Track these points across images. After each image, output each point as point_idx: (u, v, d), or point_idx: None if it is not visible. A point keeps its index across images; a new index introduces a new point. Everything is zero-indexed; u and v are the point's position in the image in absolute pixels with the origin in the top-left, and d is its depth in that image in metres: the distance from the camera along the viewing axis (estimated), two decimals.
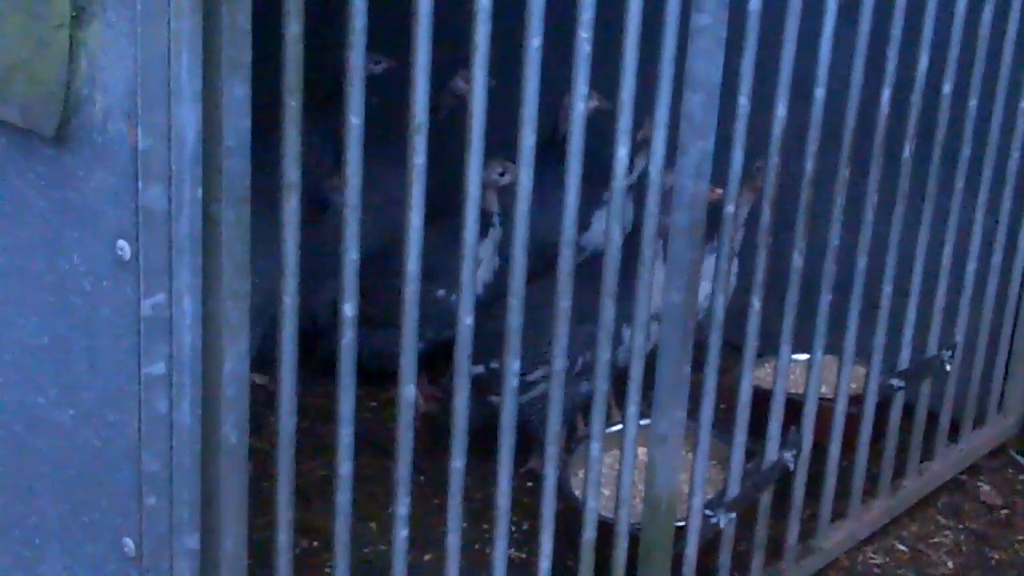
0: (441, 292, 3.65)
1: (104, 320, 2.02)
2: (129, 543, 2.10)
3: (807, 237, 2.97)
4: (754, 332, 2.93)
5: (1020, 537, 3.57)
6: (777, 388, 3.08)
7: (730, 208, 2.76)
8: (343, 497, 2.32)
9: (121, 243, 1.94)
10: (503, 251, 3.46)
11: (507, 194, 3.49)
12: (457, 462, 2.47)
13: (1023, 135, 3.48)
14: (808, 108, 2.87)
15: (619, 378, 2.93)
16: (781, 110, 2.79)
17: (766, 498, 3.14)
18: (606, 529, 2.85)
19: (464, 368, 2.40)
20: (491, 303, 3.37)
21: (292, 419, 2.18)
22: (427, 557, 3.27)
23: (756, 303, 2.90)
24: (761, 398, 3.11)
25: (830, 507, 3.36)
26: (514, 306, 2.45)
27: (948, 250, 3.42)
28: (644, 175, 2.64)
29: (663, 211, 2.67)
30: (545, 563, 2.72)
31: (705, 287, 2.93)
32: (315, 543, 3.30)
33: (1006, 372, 3.84)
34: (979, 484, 3.76)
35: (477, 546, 3.32)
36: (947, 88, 3.18)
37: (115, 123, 1.91)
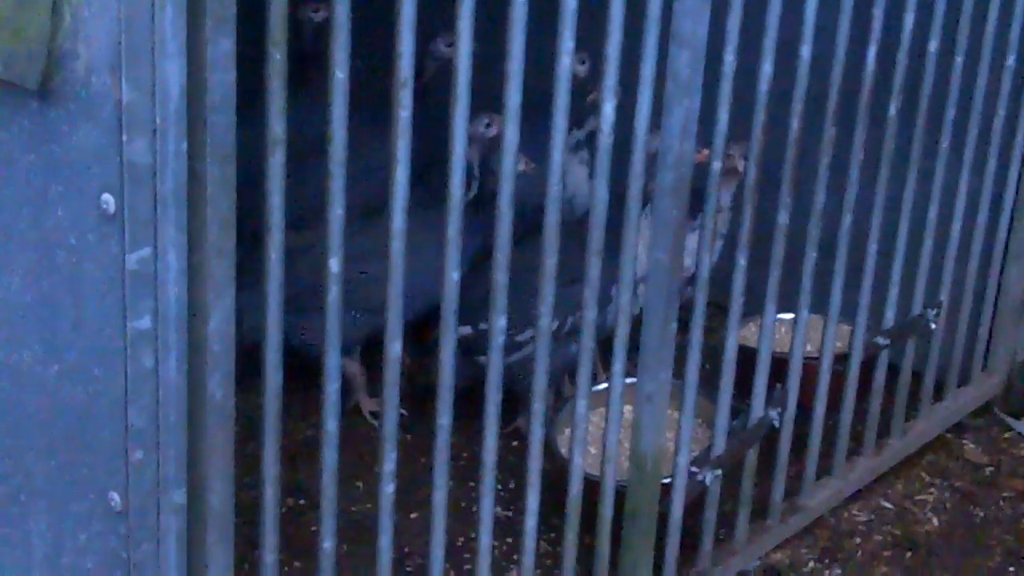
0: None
1: (89, 275, 2.02)
2: (115, 497, 2.10)
3: (792, 195, 2.97)
4: (740, 290, 2.93)
5: (1005, 495, 3.59)
6: (762, 346, 3.09)
7: (716, 166, 2.76)
8: (329, 453, 2.32)
9: (106, 197, 1.94)
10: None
11: (490, 149, 3.51)
12: (443, 419, 2.47)
13: (1008, 94, 3.47)
14: (794, 66, 2.87)
15: (606, 341, 2.93)
16: (767, 67, 2.79)
17: (751, 456, 3.15)
18: (592, 487, 2.86)
19: (451, 324, 2.40)
20: (479, 265, 3.37)
21: (278, 373, 2.18)
22: (413, 515, 3.28)
23: (741, 261, 2.91)
24: (747, 357, 3.11)
25: (815, 465, 3.38)
26: (500, 262, 2.45)
27: (933, 209, 3.42)
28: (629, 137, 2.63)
29: (648, 176, 2.67)
30: (531, 520, 2.73)
31: (688, 262, 2.93)
32: (302, 502, 3.32)
33: (991, 331, 3.85)
34: (964, 442, 3.78)
35: (464, 504, 3.34)
36: (933, 46, 3.18)
37: (99, 77, 1.90)
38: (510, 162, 2.38)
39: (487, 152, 3.51)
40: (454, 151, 2.29)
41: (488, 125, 3.52)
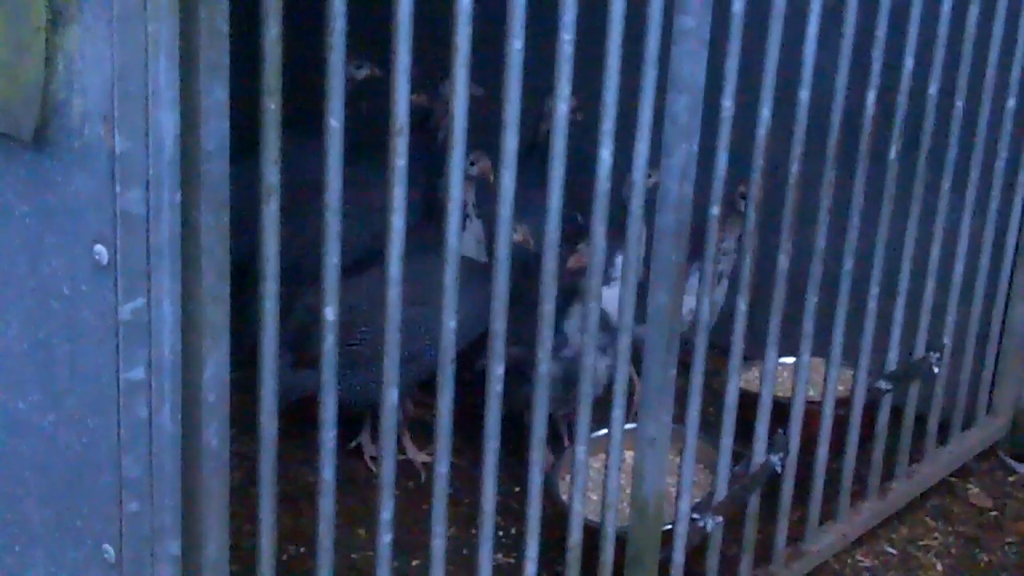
0: None
1: (84, 324, 2.01)
2: (109, 550, 2.09)
3: (793, 239, 2.97)
4: (740, 334, 2.92)
5: (1009, 539, 3.57)
6: (764, 390, 3.07)
7: (714, 211, 2.76)
8: (326, 501, 2.31)
9: (98, 248, 1.93)
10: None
11: (484, 188, 3.49)
12: (441, 467, 2.46)
13: (1010, 135, 3.47)
14: (793, 110, 2.87)
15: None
16: (766, 112, 2.79)
17: (754, 501, 3.14)
18: (594, 533, 2.85)
19: (448, 372, 2.39)
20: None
21: (274, 421, 2.17)
22: (415, 563, 3.27)
23: (742, 304, 2.90)
24: (749, 401, 3.10)
25: (819, 510, 3.36)
26: (498, 311, 2.45)
27: (935, 251, 3.41)
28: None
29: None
30: (531, 567, 2.71)
31: (689, 301, 2.93)
32: (302, 549, 3.30)
33: (995, 373, 3.84)
34: (968, 486, 3.76)
35: (466, 551, 3.32)
36: (933, 89, 3.18)
37: (93, 126, 1.90)
38: (507, 210, 2.38)
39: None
40: (451, 197, 2.29)
41: (472, 164, 3.49)
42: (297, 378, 3.30)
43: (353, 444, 3.66)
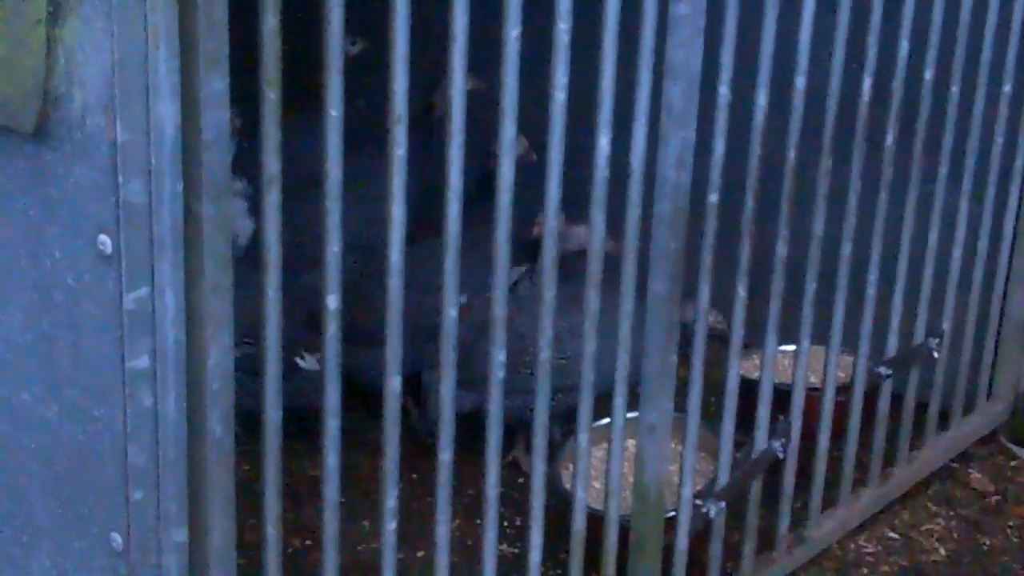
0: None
1: (87, 315, 2.03)
2: (117, 538, 2.11)
3: (791, 226, 2.98)
4: (740, 320, 2.93)
5: (1011, 523, 3.58)
6: (764, 376, 3.09)
7: (713, 198, 2.77)
8: (330, 490, 2.32)
9: (102, 237, 1.95)
10: None
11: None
12: (444, 454, 2.48)
13: (1006, 120, 3.48)
14: (789, 97, 2.88)
15: None
16: (762, 99, 2.80)
17: (756, 488, 3.15)
18: (597, 521, 2.86)
19: (449, 359, 2.41)
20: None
21: (278, 412, 2.19)
22: (420, 554, 3.28)
23: (741, 291, 2.91)
24: (749, 389, 3.11)
25: (820, 496, 3.37)
26: (498, 298, 2.46)
27: (933, 237, 3.42)
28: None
29: None
30: (535, 555, 2.72)
31: None
32: (308, 542, 3.31)
33: (994, 358, 3.84)
34: (970, 471, 3.77)
35: (471, 542, 3.33)
36: (928, 75, 3.19)
37: (93, 118, 1.92)
38: (506, 198, 2.39)
39: None
40: (450, 186, 2.30)
41: None
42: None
43: (509, 458, 3.63)
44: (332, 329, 2.21)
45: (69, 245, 2.01)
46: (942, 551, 3.47)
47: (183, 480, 2.09)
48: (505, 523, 3.43)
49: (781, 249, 2.99)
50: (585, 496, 2.79)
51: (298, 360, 3.47)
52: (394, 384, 2.34)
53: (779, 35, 2.77)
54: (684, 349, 2.85)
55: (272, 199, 2.07)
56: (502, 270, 2.44)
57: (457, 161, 2.30)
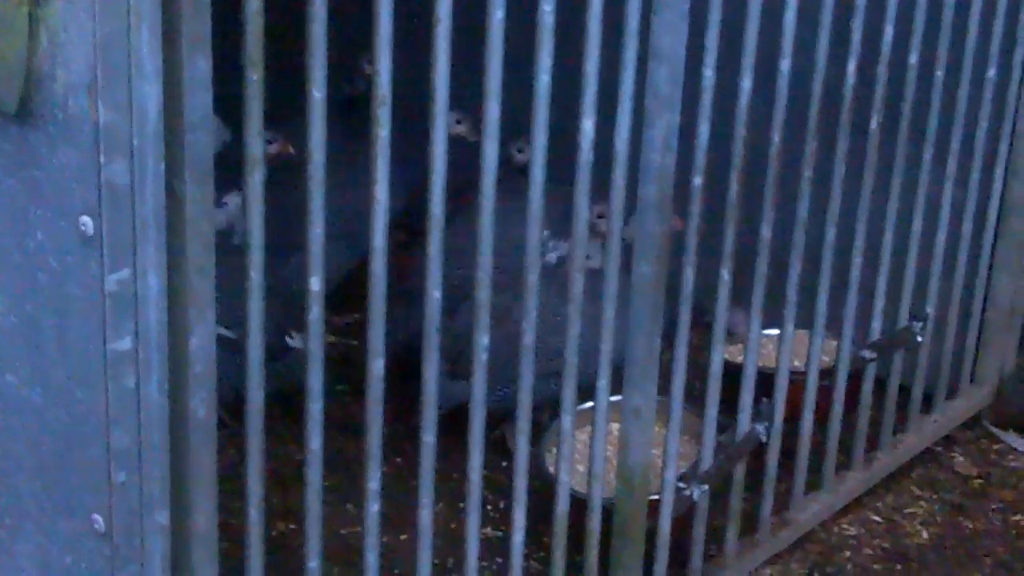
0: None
1: (71, 297, 2.03)
2: (99, 520, 2.10)
3: (775, 209, 2.98)
4: (724, 303, 2.94)
5: (994, 507, 3.60)
6: (748, 360, 3.09)
7: (697, 181, 2.77)
8: (313, 472, 2.33)
9: (84, 219, 1.95)
10: None
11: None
12: (428, 436, 2.48)
13: (990, 105, 3.49)
14: (774, 80, 2.88)
15: None
16: (747, 83, 2.80)
17: (740, 471, 3.16)
18: (580, 504, 2.87)
19: (433, 342, 2.41)
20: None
21: (260, 392, 2.19)
22: (403, 537, 3.28)
23: (726, 275, 2.91)
24: (732, 372, 3.12)
25: (804, 479, 3.38)
26: (483, 280, 2.46)
27: (918, 221, 3.43)
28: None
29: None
30: (518, 536, 2.73)
31: None
32: (292, 526, 3.31)
33: (978, 342, 3.86)
34: (953, 455, 3.78)
35: (454, 526, 3.33)
36: (913, 59, 3.19)
37: (77, 99, 1.91)
38: (490, 179, 2.39)
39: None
40: (433, 169, 2.30)
41: (459, 122, 3.58)
42: (454, 388, 3.33)
43: (498, 432, 3.62)
44: (315, 311, 2.21)
45: (53, 227, 2.00)
46: (925, 534, 3.48)
47: (166, 462, 2.09)
48: (489, 507, 3.44)
49: (765, 232, 2.99)
50: (569, 479, 2.80)
51: (288, 339, 3.47)
52: (377, 366, 2.34)
53: (764, 18, 2.77)
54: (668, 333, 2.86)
55: (255, 181, 2.07)
56: (486, 258, 2.44)
57: (440, 144, 2.30)
